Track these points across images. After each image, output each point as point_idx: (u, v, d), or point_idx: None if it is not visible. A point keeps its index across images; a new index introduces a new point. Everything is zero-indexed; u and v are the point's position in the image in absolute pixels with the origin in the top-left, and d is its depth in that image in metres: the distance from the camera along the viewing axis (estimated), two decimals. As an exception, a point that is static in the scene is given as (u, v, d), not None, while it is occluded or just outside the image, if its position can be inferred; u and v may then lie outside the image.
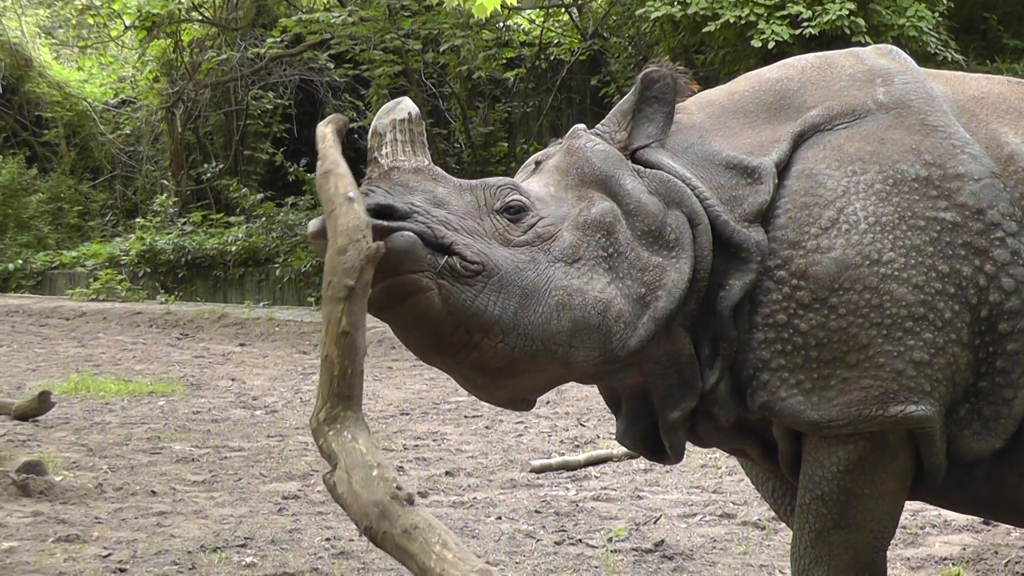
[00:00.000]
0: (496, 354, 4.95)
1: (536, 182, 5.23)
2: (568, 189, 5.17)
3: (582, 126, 5.42)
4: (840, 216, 5.08)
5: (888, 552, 5.40)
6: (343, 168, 4.76)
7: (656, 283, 5.06)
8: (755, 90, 5.49)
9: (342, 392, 4.67)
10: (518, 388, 5.17)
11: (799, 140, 5.28)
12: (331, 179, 4.74)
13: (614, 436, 11.75)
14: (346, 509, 4.62)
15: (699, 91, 5.51)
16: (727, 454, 5.86)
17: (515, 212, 5.03)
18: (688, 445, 5.45)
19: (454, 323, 4.89)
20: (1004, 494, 5.36)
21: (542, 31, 28.89)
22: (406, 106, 5.01)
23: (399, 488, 4.53)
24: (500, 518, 9.09)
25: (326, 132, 4.89)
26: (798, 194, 5.15)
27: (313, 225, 4.76)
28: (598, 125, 5.41)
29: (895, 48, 5.65)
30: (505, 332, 4.92)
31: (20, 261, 37.01)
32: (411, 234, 4.79)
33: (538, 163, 5.38)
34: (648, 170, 5.22)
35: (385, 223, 4.75)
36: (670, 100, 5.30)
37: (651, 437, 5.43)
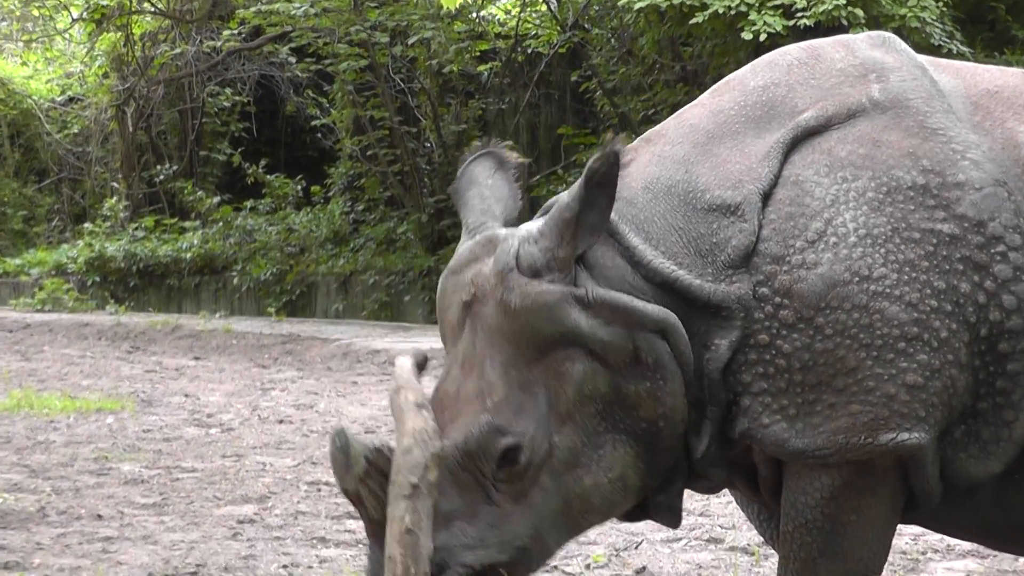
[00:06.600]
0: None
1: (492, 371, 5.00)
2: (530, 366, 4.98)
3: (502, 233, 5.10)
4: (828, 228, 4.95)
5: (887, 579, 5.35)
6: (415, 384, 4.99)
7: (652, 415, 4.99)
8: (740, 105, 5.30)
9: None
10: None
11: (791, 148, 5.13)
12: (402, 393, 4.97)
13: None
14: None
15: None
16: None
17: (511, 459, 4.93)
18: None
19: None
20: (1010, 519, 5.28)
21: (518, 22, 28.85)
22: (361, 449, 4.96)
23: None
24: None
25: (404, 364, 5.10)
26: (783, 203, 5.03)
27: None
28: (532, 238, 5.04)
29: (891, 36, 5.48)
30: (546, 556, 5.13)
31: (-40, 269, 36.94)
32: None
33: (467, 305, 5.08)
34: (594, 291, 4.98)
35: None
36: (613, 178, 4.96)
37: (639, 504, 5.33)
